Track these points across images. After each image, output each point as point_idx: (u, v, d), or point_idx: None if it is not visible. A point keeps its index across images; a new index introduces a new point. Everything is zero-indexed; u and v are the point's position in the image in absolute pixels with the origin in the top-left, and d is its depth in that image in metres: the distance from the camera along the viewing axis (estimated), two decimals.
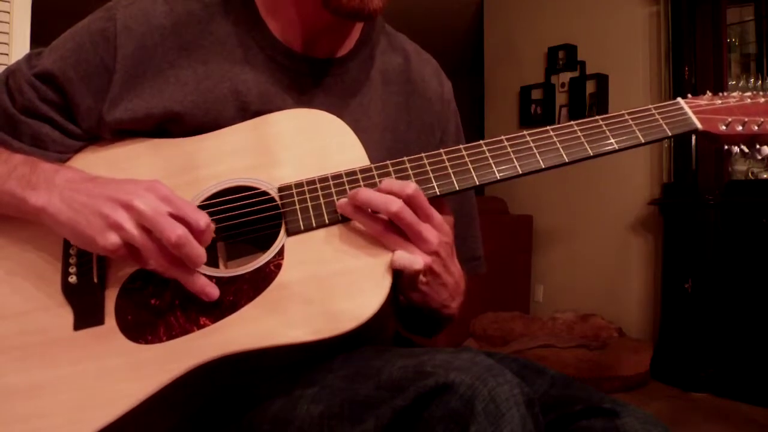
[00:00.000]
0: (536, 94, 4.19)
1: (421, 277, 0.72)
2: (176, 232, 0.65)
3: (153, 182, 0.69)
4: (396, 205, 0.69)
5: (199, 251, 0.67)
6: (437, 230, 0.72)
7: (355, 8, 0.75)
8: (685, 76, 3.11)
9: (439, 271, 0.74)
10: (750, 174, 3.06)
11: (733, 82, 3.08)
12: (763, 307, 2.75)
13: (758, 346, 2.76)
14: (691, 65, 3.09)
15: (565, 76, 3.99)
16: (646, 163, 3.48)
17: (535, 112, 4.19)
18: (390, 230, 0.71)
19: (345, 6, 0.75)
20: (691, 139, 2.99)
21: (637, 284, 3.53)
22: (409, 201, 0.70)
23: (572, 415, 0.72)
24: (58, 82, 0.79)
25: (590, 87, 3.85)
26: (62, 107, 0.80)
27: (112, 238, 0.67)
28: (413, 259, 0.70)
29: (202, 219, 0.67)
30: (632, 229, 3.57)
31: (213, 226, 0.69)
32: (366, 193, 0.71)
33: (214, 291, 0.69)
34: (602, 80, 3.77)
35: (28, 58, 0.82)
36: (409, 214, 0.70)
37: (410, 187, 0.71)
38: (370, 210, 0.72)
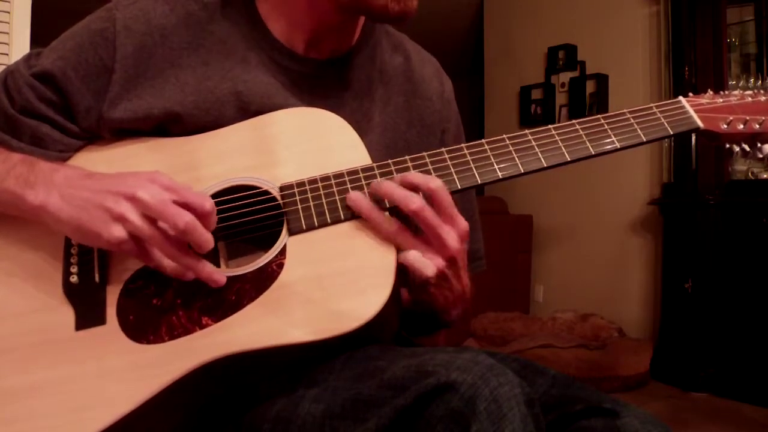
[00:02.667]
0: (536, 94, 4.20)
1: (431, 280, 0.72)
2: (184, 218, 0.65)
3: (154, 173, 0.69)
4: (417, 202, 0.69)
5: (207, 236, 0.67)
6: (460, 236, 0.71)
7: (401, 11, 0.76)
8: (685, 76, 3.11)
9: (451, 278, 0.74)
10: (750, 174, 3.06)
11: (733, 82, 3.08)
12: (763, 307, 2.75)
13: (758, 346, 2.76)
14: (691, 65, 3.09)
15: (565, 76, 3.99)
16: (646, 163, 3.48)
17: (535, 112, 4.19)
18: (404, 230, 0.70)
19: (391, 11, 0.76)
20: (691, 138, 2.99)
21: (637, 284, 3.53)
22: (431, 196, 0.70)
23: (572, 414, 0.72)
24: (57, 82, 0.78)
25: (590, 87, 3.85)
26: (61, 107, 0.80)
27: (118, 231, 0.67)
28: (425, 264, 0.70)
29: (207, 202, 0.67)
30: (632, 229, 3.57)
31: (216, 209, 0.69)
32: (387, 186, 0.71)
33: (221, 278, 0.69)
34: (602, 80, 3.77)
35: (27, 58, 0.82)
36: (431, 214, 0.70)
37: (435, 181, 0.70)
38: (387, 205, 0.71)
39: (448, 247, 0.71)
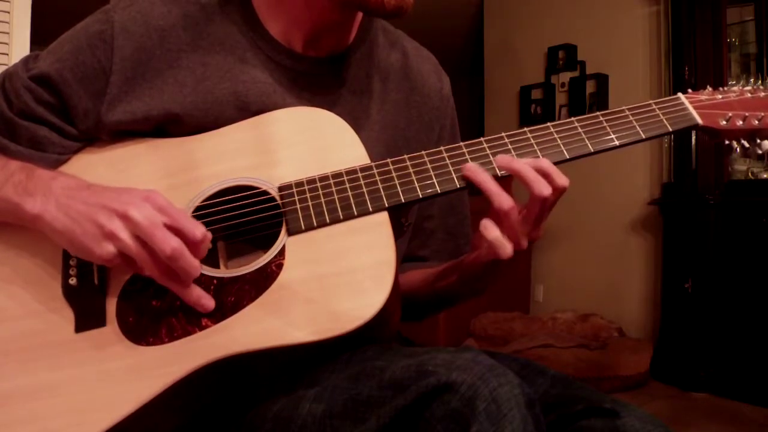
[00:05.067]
0: (536, 94, 4.19)
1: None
2: (171, 244, 0.65)
3: (150, 192, 0.69)
4: (549, 191, 0.70)
5: (194, 264, 0.66)
6: None
7: (398, 6, 0.76)
8: (685, 76, 3.11)
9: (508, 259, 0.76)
10: (750, 174, 3.06)
11: (733, 82, 3.06)
12: (763, 307, 2.75)
13: (758, 346, 2.76)
14: (691, 65, 3.09)
15: (565, 76, 3.99)
16: (646, 163, 3.48)
17: (535, 112, 4.18)
18: (515, 208, 0.71)
19: (387, 5, 0.76)
20: (691, 138, 3.00)
21: (637, 284, 3.53)
22: (557, 193, 0.71)
23: (572, 414, 0.72)
24: (54, 85, 0.78)
25: (590, 87, 3.85)
26: (59, 109, 0.80)
27: (108, 248, 0.66)
28: (505, 246, 0.71)
29: (198, 230, 0.67)
30: (632, 228, 3.57)
31: (210, 236, 0.69)
32: (520, 164, 0.71)
33: (209, 303, 0.69)
34: (602, 80, 3.77)
35: (25, 61, 0.82)
36: (550, 206, 0.72)
37: (565, 180, 0.72)
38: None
39: (538, 233, 0.74)
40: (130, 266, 0.69)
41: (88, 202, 0.68)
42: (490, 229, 0.71)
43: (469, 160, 0.75)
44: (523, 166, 0.71)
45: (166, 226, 0.66)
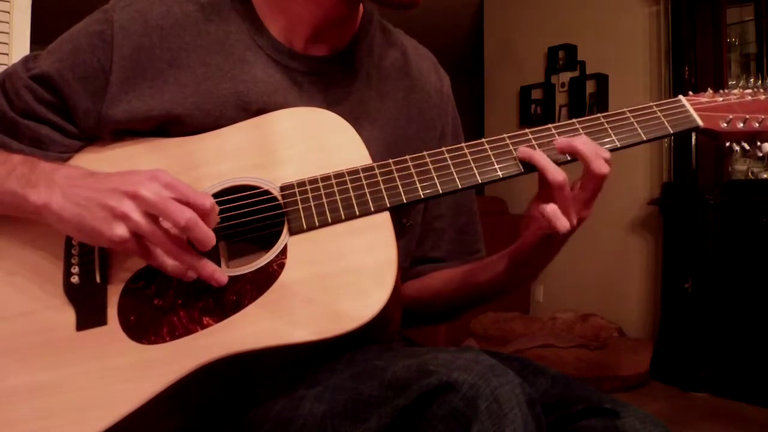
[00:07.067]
0: (536, 94, 4.19)
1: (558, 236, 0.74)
2: (185, 215, 0.65)
3: (155, 171, 0.69)
4: (607, 168, 0.72)
5: (209, 233, 0.67)
6: None
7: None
8: (685, 76, 3.11)
9: (566, 240, 0.77)
10: (750, 174, 3.06)
11: (733, 82, 3.05)
12: (763, 307, 2.75)
13: (758, 346, 2.76)
14: (691, 65, 3.09)
15: (565, 76, 3.99)
16: (646, 163, 3.48)
17: (535, 112, 4.19)
18: (567, 182, 0.72)
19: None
20: (691, 138, 2.99)
21: (637, 284, 3.53)
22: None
23: (572, 414, 0.72)
24: (54, 84, 0.79)
25: (590, 87, 3.85)
26: (60, 109, 0.80)
27: (119, 230, 0.67)
28: (562, 220, 0.72)
29: (207, 200, 0.67)
30: (632, 229, 3.57)
31: (217, 206, 0.69)
32: (583, 143, 0.73)
33: (222, 277, 0.69)
34: (602, 80, 3.77)
35: (24, 61, 0.82)
36: (603, 182, 0.73)
37: (607, 157, 0.73)
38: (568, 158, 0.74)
39: (588, 212, 0.75)
40: (140, 249, 0.69)
41: (94, 188, 0.69)
42: (547, 204, 0.73)
43: (471, 161, 0.75)
44: (584, 145, 0.73)
45: (175, 200, 0.67)
